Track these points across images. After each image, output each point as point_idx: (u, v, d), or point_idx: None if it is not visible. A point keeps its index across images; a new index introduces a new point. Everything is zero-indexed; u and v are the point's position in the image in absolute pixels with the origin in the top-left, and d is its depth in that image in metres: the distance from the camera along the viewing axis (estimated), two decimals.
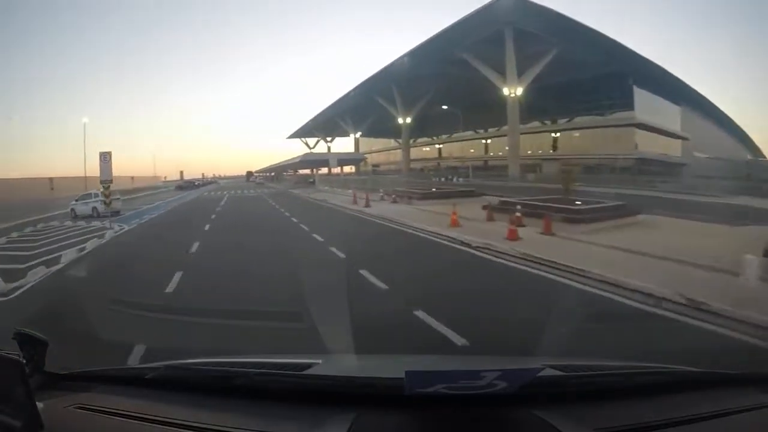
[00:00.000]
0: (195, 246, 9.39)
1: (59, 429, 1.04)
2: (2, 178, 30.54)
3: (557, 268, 6.33)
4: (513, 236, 8.38)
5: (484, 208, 12.15)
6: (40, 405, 0.97)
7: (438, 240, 9.35)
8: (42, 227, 15.67)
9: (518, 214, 9.71)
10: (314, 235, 10.32)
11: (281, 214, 16.94)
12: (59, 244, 10.85)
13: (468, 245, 8.41)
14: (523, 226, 9.01)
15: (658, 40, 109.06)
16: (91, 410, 1.15)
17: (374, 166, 70.86)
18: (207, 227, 13.31)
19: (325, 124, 69.31)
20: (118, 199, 21.22)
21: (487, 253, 7.78)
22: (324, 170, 51.49)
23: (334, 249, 8.28)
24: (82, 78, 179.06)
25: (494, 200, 13.41)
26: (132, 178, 53.86)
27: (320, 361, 1.46)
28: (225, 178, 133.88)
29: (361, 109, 55.91)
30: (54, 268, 7.82)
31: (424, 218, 12.43)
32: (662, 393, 1.23)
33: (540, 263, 6.72)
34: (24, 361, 1.02)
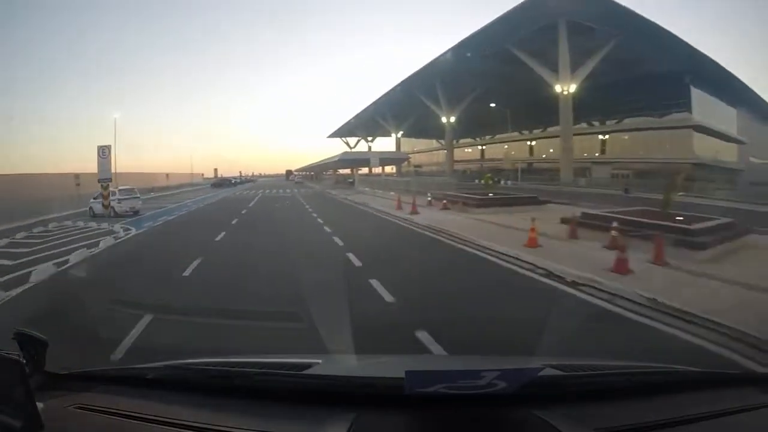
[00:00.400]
0: (194, 265, 8.22)
1: (59, 429, 1.13)
2: (29, 174, 31.46)
3: (735, 338, 4.19)
4: (623, 269, 6.65)
5: (564, 221, 10.50)
6: (40, 405, 1.04)
7: (518, 269, 7.61)
8: (53, 227, 15.96)
9: (614, 233, 8.17)
10: (349, 256, 8.82)
11: (313, 221, 16.13)
12: (45, 254, 10.43)
13: (561, 279, 6.65)
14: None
15: (708, 35, 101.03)
16: (91, 410, 1.24)
17: (416, 166, 69.59)
18: (221, 236, 12.46)
19: (366, 124, 70.62)
20: (138, 198, 21.25)
21: (594, 296, 5.87)
22: (364, 170, 52.07)
23: (375, 282, 6.51)
24: (120, 75, 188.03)
25: (568, 210, 11.90)
26: (167, 175, 56.46)
27: (320, 361, 1.50)
28: (265, 176, 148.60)
29: (404, 107, 56.60)
30: (12, 293, 6.77)
31: (488, 233, 10.79)
32: (662, 393, 1.25)
33: (689, 322, 4.62)
34: (24, 361, 1.10)
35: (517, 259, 7.97)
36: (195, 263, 8.32)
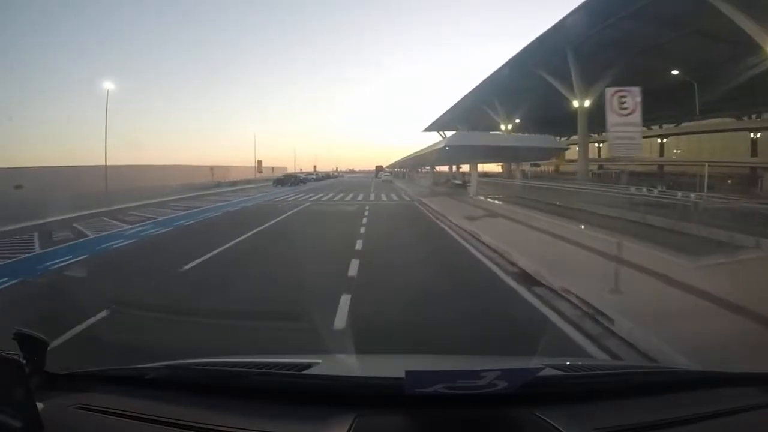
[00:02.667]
0: None
1: (59, 429, 1.11)
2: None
3: None
4: None
5: None
6: (40, 405, 1.04)
7: None
8: None
9: None
10: None
11: None
12: None
13: None
14: None
15: None
16: (91, 410, 1.23)
17: (533, 164, 57.85)
18: None
19: (468, 114, 58.68)
20: None
21: None
22: (463, 167, 45.83)
23: None
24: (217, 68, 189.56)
25: None
26: (211, 168, 47.53)
27: (320, 361, 1.48)
28: (357, 172, 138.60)
29: (517, 91, 41.30)
30: None
31: None
32: (662, 393, 1.24)
33: None
34: (24, 361, 1.09)
35: None
36: None
